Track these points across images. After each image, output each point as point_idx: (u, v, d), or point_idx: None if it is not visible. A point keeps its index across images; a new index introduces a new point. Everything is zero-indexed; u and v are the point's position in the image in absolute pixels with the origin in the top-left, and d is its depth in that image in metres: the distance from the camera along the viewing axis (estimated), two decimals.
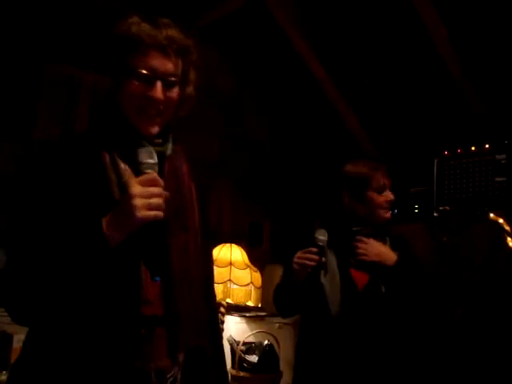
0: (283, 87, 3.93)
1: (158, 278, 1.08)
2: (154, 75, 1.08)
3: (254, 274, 2.94)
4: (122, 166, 1.07)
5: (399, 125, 3.54)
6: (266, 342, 2.89)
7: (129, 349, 1.02)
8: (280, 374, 2.83)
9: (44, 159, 1.07)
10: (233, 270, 2.86)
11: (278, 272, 2.39)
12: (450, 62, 3.09)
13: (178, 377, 1.11)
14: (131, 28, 1.08)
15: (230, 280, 2.83)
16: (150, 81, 1.08)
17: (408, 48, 3.21)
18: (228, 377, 1.39)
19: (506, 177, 2.74)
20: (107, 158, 1.07)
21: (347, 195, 2.00)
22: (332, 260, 1.93)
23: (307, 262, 1.82)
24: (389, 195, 1.99)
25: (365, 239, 1.95)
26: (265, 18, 3.41)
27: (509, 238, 2.66)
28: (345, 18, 3.29)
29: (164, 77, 1.09)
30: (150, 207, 0.98)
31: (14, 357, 2.05)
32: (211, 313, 1.26)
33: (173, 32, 1.11)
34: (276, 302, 2.07)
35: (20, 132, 3.40)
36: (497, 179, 2.77)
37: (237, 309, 3.14)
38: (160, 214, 1.00)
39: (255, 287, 2.90)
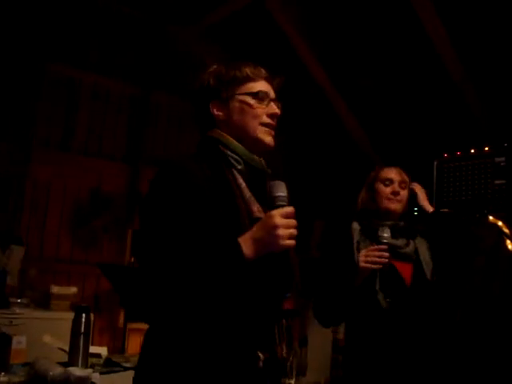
0: (284, 88, 3.93)
1: (287, 294, 1.26)
2: (269, 97, 1.36)
3: None
4: (243, 184, 1.25)
5: (399, 127, 3.54)
6: None
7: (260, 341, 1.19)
8: None
9: (179, 175, 1.20)
10: None
11: None
12: (449, 62, 3.09)
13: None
14: (247, 71, 1.35)
15: None
16: (265, 101, 1.34)
17: (408, 50, 3.22)
18: None
19: (505, 179, 2.74)
20: (230, 175, 1.25)
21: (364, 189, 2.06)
22: None
23: (378, 259, 1.81)
24: (395, 187, 1.97)
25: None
26: (265, 19, 3.42)
27: (508, 241, 2.67)
28: (344, 20, 3.29)
29: (275, 99, 1.39)
30: (290, 237, 1.14)
31: (13, 358, 2.05)
32: None
33: (263, 70, 1.40)
34: (323, 312, 1.96)
35: (19, 132, 3.40)
36: (496, 182, 2.77)
37: None
38: (294, 242, 1.15)
39: None
